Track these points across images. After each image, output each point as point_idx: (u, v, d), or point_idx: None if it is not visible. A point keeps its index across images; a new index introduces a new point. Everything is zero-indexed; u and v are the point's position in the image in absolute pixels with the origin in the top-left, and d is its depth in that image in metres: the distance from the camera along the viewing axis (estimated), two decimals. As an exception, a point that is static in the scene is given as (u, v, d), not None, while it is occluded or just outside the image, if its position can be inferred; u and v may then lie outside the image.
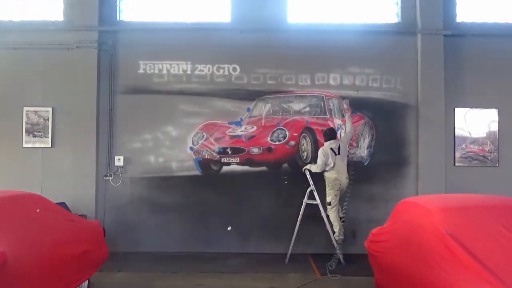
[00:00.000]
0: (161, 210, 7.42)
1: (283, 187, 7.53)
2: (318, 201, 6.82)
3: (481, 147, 7.74)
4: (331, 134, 7.02)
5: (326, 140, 6.97)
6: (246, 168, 7.61)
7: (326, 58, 7.70)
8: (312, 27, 7.76)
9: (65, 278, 4.17)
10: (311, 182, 6.86)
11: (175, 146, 7.67)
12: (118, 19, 7.93)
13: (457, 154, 7.70)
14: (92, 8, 7.68)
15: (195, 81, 7.73)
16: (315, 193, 6.82)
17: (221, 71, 7.73)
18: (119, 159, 7.58)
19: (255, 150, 7.55)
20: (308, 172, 6.92)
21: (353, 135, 7.31)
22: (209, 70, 7.73)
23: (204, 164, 7.62)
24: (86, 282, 4.89)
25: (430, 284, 3.29)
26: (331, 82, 7.72)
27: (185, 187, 7.57)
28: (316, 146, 7.56)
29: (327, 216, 6.81)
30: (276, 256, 7.11)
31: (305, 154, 7.57)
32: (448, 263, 3.22)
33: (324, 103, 7.72)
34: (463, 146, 7.73)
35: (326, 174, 6.86)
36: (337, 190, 6.78)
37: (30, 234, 3.78)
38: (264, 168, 7.59)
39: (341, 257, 6.64)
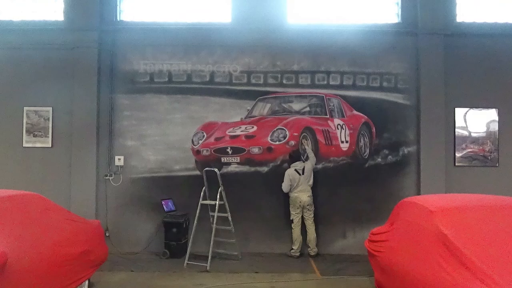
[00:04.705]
0: (161, 210, 7.39)
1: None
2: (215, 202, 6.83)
3: (481, 147, 7.74)
4: (296, 156, 7.30)
5: (291, 163, 7.28)
6: (246, 168, 7.61)
7: (326, 58, 7.71)
8: (312, 27, 7.75)
9: (65, 278, 4.17)
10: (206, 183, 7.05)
11: (175, 146, 7.67)
12: (118, 19, 7.93)
13: (457, 154, 7.70)
14: (93, 8, 7.69)
15: (195, 81, 7.74)
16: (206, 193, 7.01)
17: (221, 71, 7.74)
18: (119, 159, 7.59)
19: (255, 150, 7.55)
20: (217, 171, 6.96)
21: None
22: (209, 70, 7.73)
23: (204, 164, 7.61)
24: (86, 282, 4.90)
25: (430, 284, 3.29)
26: (331, 82, 7.73)
27: (185, 187, 7.56)
28: (316, 146, 7.57)
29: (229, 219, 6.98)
30: (276, 256, 7.11)
31: (305, 154, 7.57)
32: (448, 263, 3.22)
33: (324, 103, 7.72)
34: (463, 146, 7.73)
35: (290, 193, 7.20)
36: (298, 208, 7.13)
37: (30, 234, 3.78)
38: (264, 168, 7.59)
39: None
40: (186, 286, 5.54)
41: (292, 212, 7.18)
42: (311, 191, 7.20)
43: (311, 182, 7.23)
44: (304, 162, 7.29)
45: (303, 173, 7.13)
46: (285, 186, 7.16)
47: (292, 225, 7.18)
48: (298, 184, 7.11)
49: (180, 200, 7.48)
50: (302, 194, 7.10)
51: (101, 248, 5.19)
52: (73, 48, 7.60)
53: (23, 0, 7.97)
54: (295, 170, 7.15)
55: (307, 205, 7.13)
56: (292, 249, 7.18)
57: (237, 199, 7.51)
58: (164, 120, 7.69)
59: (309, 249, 7.20)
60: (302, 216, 7.19)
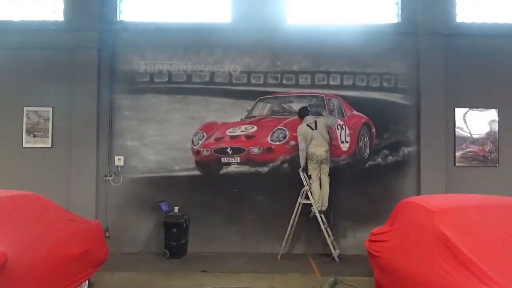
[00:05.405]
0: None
1: (283, 187, 7.52)
2: (312, 201, 6.95)
3: (481, 147, 7.74)
4: (304, 112, 7.25)
5: (301, 119, 7.20)
6: (246, 168, 7.60)
7: (326, 58, 7.71)
8: (312, 27, 7.76)
9: (65, 278, 4.17)
10: (305, 183, 7.02)
11: (175, 146, 7.67)
12: (118, 19, 7.93)
13: (457, 154, 7.70)
14: (93, 8, 7.69)
15: (195, 81, 7.74)
16: (309, 193, 6.97)
17: (221, 71, 7.74)
18: (119, 159, 7.59)
19: (255, 150, 7.55)
20: (302, 173, 7.04)
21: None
22: (209, 70, 7.73)
23: (204, 164, 7.61)
24: (86, 282, 4.90)
25: (430, 284, 3.29)
26: (331, 82, 7.73)
27: (185, 187, 7.57)
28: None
29: (321, 217, 6.97)
30: (276, 256, 7.11)
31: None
32: (448, 263, 3.22)
33: (324, 103, 7.72)
34: (463, 146, 7.73)
35: (306, 149, 7.04)
36: (315, 163, 6.99)
37: (30, 234, 3.78)
38: (264, 168, 7.58)
39: (323, 227, 6.96)
40: (186, 286, 5.54)
41: (310, 167, 7.05)
42: (327, 146, 7.05)
43: (326, 137, 7.10)
44: (315, 117, 7.21)
45: (316, 128, 7.03)
46: (301, 145, 7.02)
47: (310, 180, 7.05)
48: (313, 138, 6.98)
49: (180, 200, 7.48)
50: (318, 149, 6.96)
51: (101, 248, 5.19)
52: (73, 48, 7.60)
53: (23, 0, 7.97)
54: (307, 125, 7.06)
55: (324, 159, 6.99)
56: (312, 206, 6.98)
57: (237, 199, 7.53)
58: (164, 120, 7.69)
59: (321, 205, 7.03)
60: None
